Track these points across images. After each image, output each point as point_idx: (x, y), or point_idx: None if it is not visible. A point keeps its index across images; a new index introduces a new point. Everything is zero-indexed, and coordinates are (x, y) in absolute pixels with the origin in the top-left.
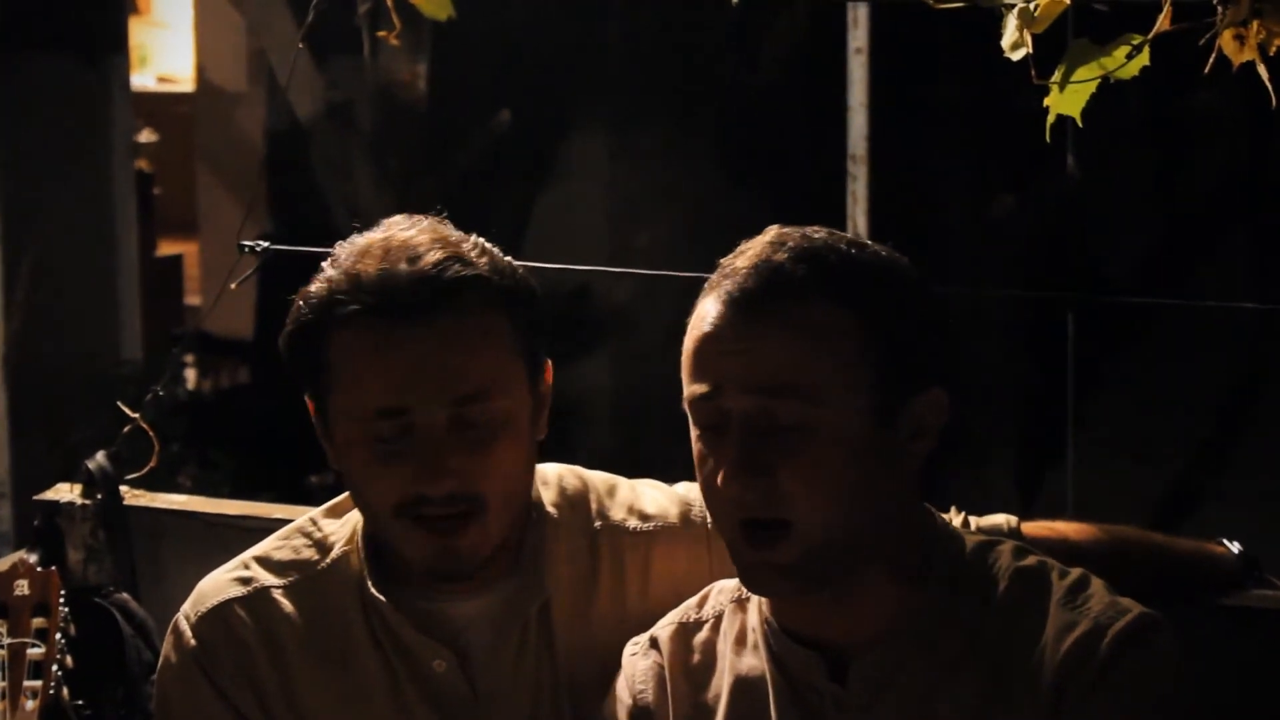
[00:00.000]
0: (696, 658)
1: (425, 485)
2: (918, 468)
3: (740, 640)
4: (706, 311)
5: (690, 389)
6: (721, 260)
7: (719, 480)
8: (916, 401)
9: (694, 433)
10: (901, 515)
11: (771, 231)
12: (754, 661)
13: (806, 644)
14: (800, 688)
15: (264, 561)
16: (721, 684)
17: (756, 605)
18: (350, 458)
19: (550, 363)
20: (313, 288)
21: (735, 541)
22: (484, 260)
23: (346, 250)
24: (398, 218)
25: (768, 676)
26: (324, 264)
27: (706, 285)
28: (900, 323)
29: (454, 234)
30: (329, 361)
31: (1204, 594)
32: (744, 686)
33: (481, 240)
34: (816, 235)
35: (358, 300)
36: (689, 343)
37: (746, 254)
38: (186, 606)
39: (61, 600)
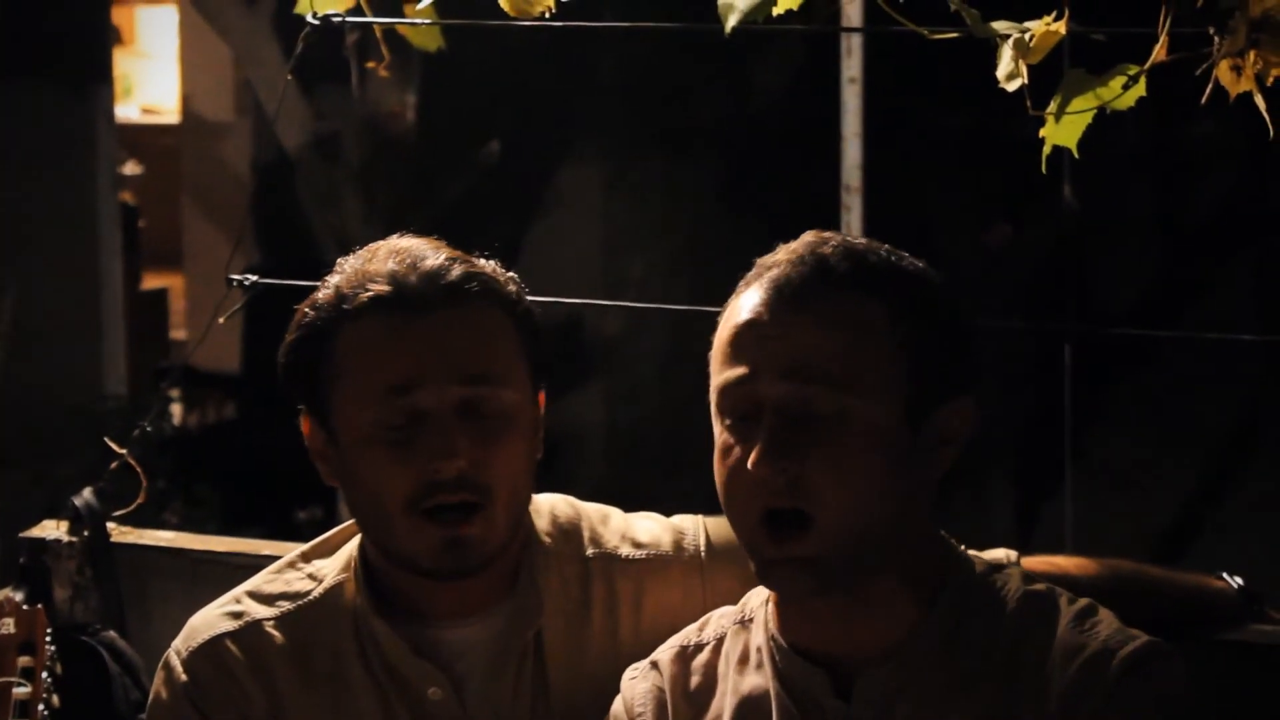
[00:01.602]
0: (697, 679)
1: (438, 464)
2: (939, 476)
3: (743, 660)
4: (746, 300)
5: (723, 375)
6: (758, 259)
7: (749, 464)
8: (945, 408)
9: (719, 425)
10: (919, 525)
11: (812, 233)
12: (758, 680)
13: (813, 661)
14: (805, 705)
15: (255, 595)
16: (723, 705)
17: (762, 624)
18: (359, 458)
19: (543, 391)
20: (319, 295)
21: (755, 535)
22: (488, 267)
23: (351, 260)
24: (400, 236)
25: (771, 695)
26: (327, 278)
27: (742, 282)
28: (935, 328)
29: (458, 250)
30: (337, 359)
31: (1204, 628)
32: (747, 705)
33: (491, 261)
34: (857, 239)
35: (369, 295)
36: (724, 331)
37: (788, 249)
38: (178, 642)
39: (48, 638)
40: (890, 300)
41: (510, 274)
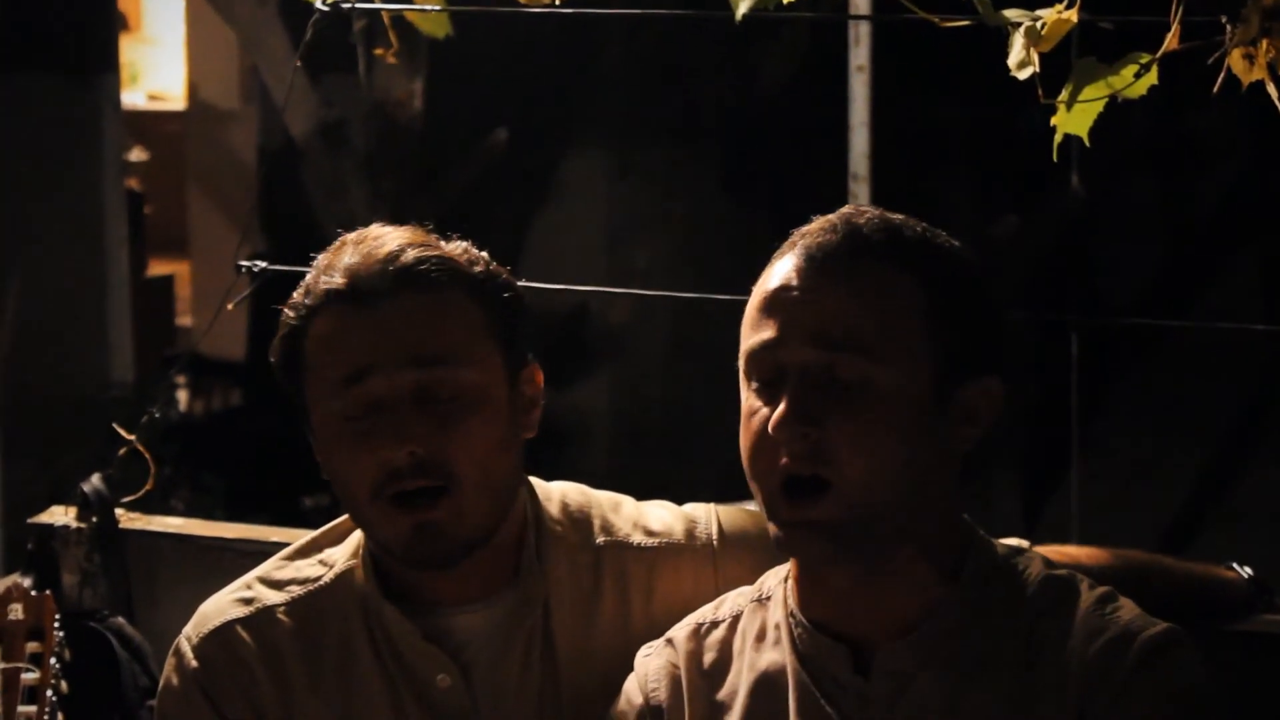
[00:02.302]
0: (712, 656)
1: (390, 450)
2: (963, 455)
3: (760, 637)
4: (778, 266)
5: (752, 339)
6: (794, 230)
7: (769, 426)
8: (973, 385)
9: (746, 391)
10: (941, 502)
11: (849, 206)
12: (775, 657)
13: (832, 638)
14: (823, 681)
15: (266, 581)
16: (739, 681)
17: (780, 601)
18: (331, 451)
19: (539, 367)
20: (295, 293)
21: (774, 498)
22: (456, 251)
23: (322, 255)
24: (374, 225)
25: (789, 671)
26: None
27: (776, 253)
28: (964, 304)
29: (431, 235)
30: (306, 355)
31: (1214, 618)
32: (764, 682)
33: (463, 242)
34: (894, 214)
35: (325, 289)
36: (755, 297)
37: (824, 219)
38: (188, 628)
39: (56, 624)
40: (921, 273)
41: (482, 254)
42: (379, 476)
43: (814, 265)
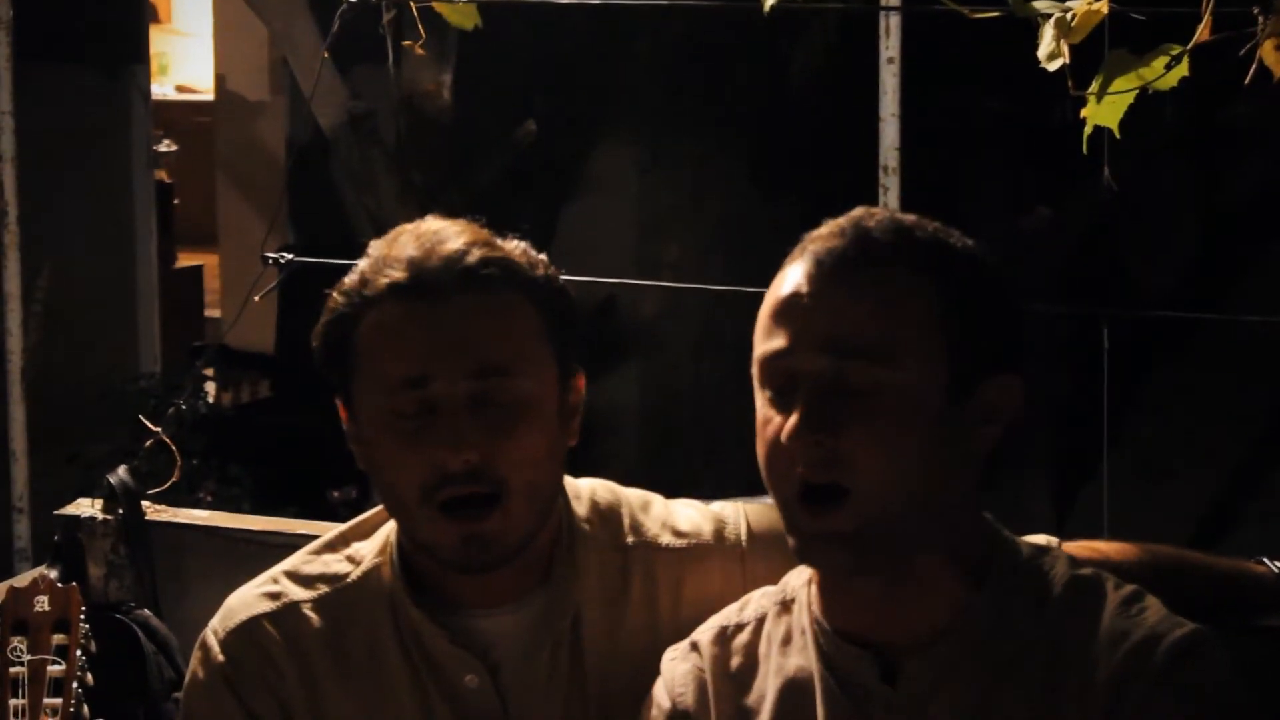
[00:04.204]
0: (738, 660)
1: (446, 456)
2: (984, 456)
3: (786, 642)
4: (789, 273)
5: (764, 347)
6: (806, 234)
7: (783, 435)
8: (990, 383)
9: (760, 398)
10: (962, 504)
11: (859, 209)
12: (801, 662)
13: (857, 645)
14: (849, 689)
15: (293, 576)
16: (765, 686)
17: (805, 606)
18: (377, 446)
19: (582, 374)
20: (346, 280)
21: (792, 508)
22: (516, 250)
23: (377, 244)
24: (429, 217)
25: (815, 677)
26: (359, 261)
27: (789, 257)
28: (979, 303)
29: (488, 233)
30: (357, 344)
31: (1244, 613)
32: (790, 688)
33: (522, 242)
34: (906, 215)
35: (386, 281)
36: (766, 304)
37: (833, 223)
38: (215, 622)
39: (82, 617)
40: (933, 275)
41: (541, 256)
42: (430, 479)
43: (823, 272)
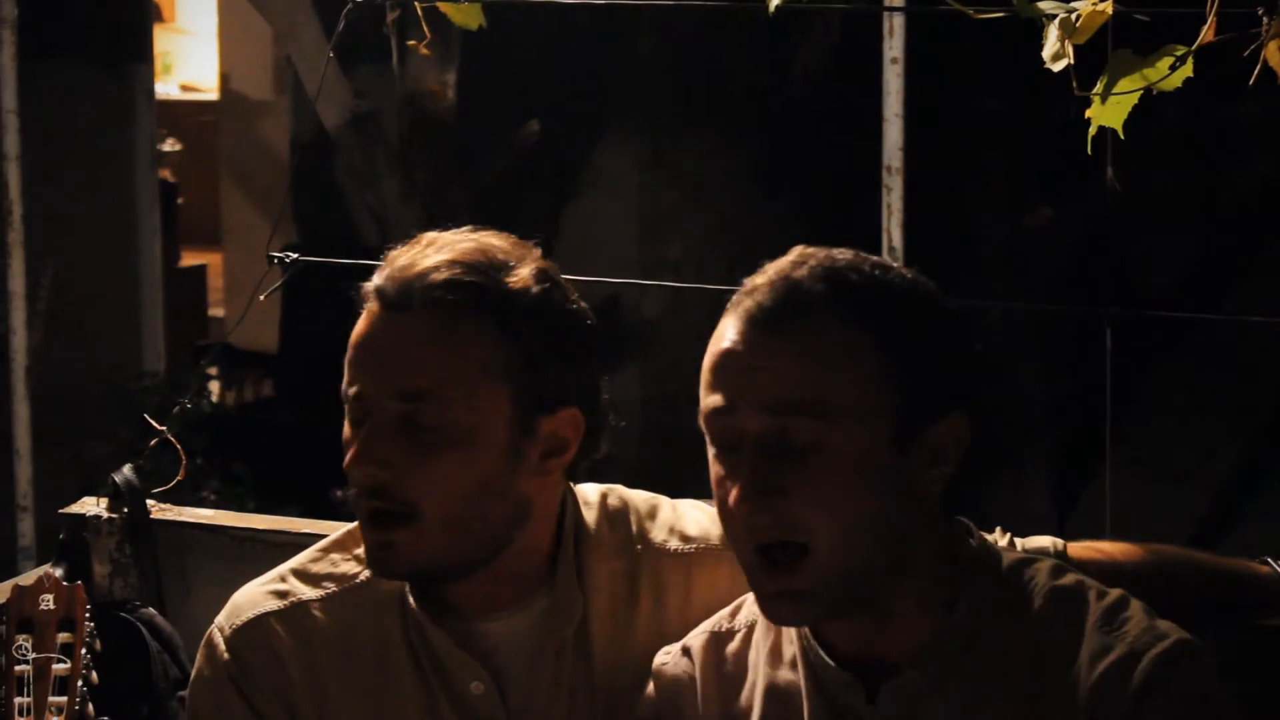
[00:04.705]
0: (728, 667)
1: (354, 467)
2: (938, 493)
3: (775, 652)
4: (725, 328)
5: (705, 403)
6: (745, 280)
7: (730, 501)
8: (936, 426)
9: (710, 452)
10: (924, 541)
11: (795, 251)
12: (790, 675)
13: (845, 660)
14: (836, 707)
15: (301, 574)
16: (753, 694)
17: None
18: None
19: (577, 413)
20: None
21: (752, 569)
22: (510, 278)
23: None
24: (467, 229)
25: (803, 693)
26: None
27: (729, 304)
28: (921, 346)
29: (500, 247)
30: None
31: (1247, 614)
32: (778, 698)
33: (544, 263)
34: (840, 256)
35: (373, 284)
36: (707, 359)
37: (768, 272)
38: (221, 619)
39: (87, 615)
40: (870, 322)
41: (552, 282)
42: (355, 484)
43: (755, 328)
